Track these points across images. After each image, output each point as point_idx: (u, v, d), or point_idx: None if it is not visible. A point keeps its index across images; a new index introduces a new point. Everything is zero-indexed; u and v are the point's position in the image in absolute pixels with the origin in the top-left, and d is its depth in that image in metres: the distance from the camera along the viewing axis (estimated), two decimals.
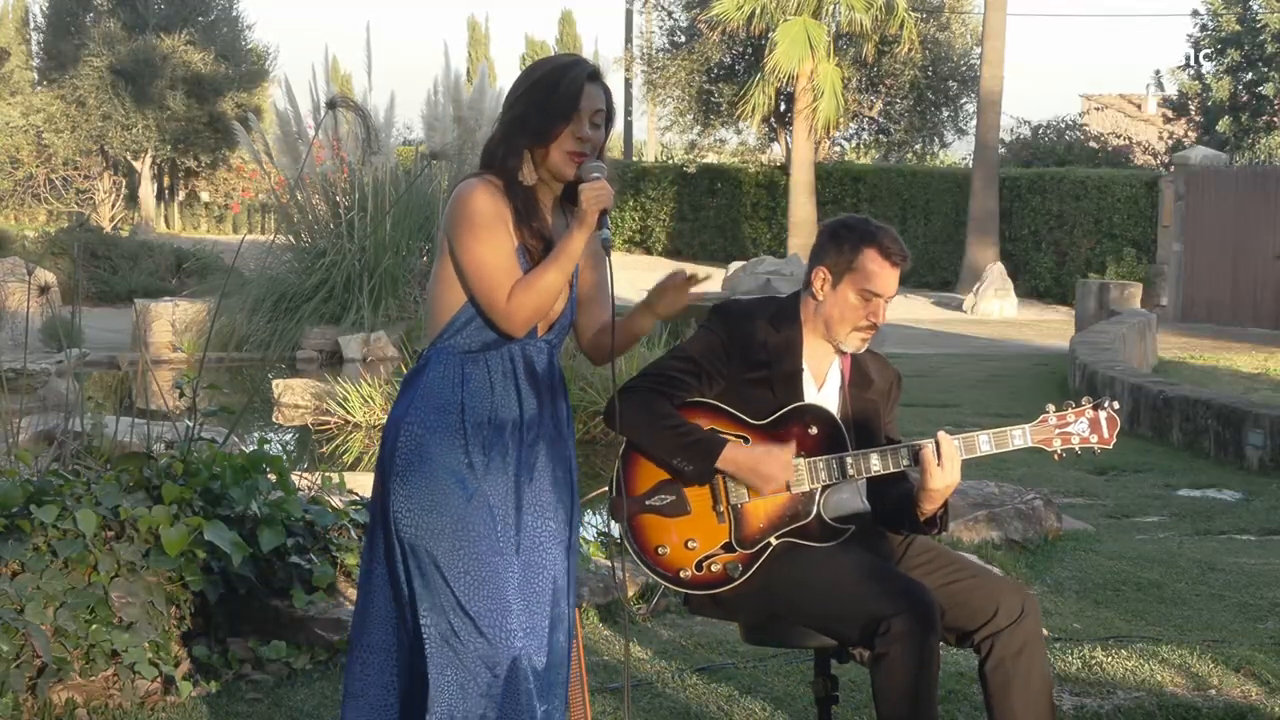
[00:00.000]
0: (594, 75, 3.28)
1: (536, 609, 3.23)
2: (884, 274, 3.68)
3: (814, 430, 3.65)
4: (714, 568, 3.62)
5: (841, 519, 3.68)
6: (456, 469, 3.19)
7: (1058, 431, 3.67)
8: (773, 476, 3.57)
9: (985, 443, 3.66)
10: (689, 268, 3.39)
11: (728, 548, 3.61)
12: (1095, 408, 3.68)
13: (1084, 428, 3.67)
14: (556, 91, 3.23)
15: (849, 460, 3.63)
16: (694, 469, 3.57)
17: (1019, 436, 3.66)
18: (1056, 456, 3.70)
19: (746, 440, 3.63)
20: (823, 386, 3.75)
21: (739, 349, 3.69)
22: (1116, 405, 3.70)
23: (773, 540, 3.62)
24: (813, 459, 3.63)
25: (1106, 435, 3.68)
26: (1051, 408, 3.69)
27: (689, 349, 3.71)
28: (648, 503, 3.62)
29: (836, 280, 3.69)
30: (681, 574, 3.63)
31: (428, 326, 3.32)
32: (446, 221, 3.24)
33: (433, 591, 3.16)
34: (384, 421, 3.37)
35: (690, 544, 3.61)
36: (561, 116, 3.22)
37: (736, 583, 3.61)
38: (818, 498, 3.63)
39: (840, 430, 3.67)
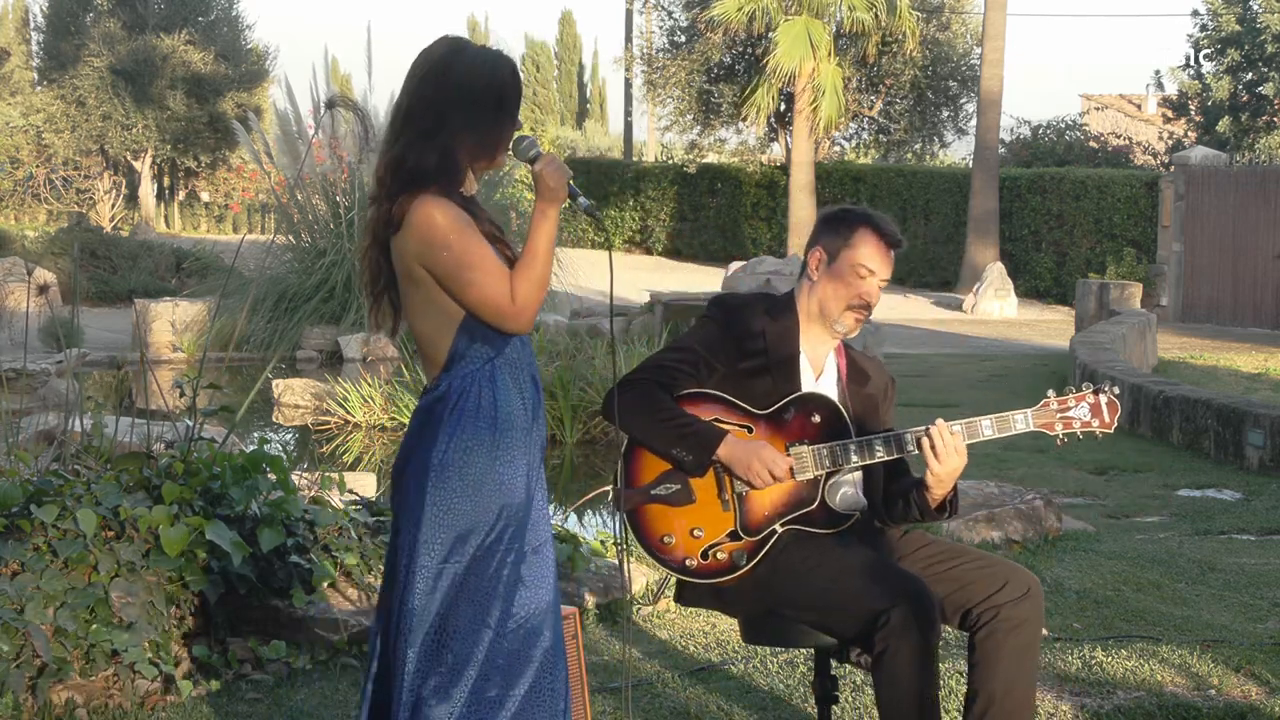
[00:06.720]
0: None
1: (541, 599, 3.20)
2: (878, 252, 3.73)
3: (816, 418, 3.67)
4: (719, 556, 3.63)
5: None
6: (502, 485, 3.09)
7: (1059, 415, 3.71)
8: (759, 475, 3.58)
9: (988, 428, 3.69)
10: None
11: (733, 535, 3.63)
12: (1096, 392, 3.73)
13: (1085, 412, 3.72)
14: (503, 108, 3.11)
15: (853, 447, 3.65)
16: (693, 459, 3.59)
17: (1021, 421, 3.70)
18: (1059, 442, 3.75)
19: (750, 429, 3.65)
20: (820, 376, 3.79)
21: (735, 337, 3.72)
22: (1117, 390, 3.76)
23: (778, 528, 3.63)
24: (817, 446, 3.65)
25: (1107, 419, 3.72)
26: (1052, 392, 3.73)
27: (687, 339, 3.75)
28: (653, 492, 3.63)
29: (831, 258, 3.74)
30: (687, 563, 3.64)
31: (427, 365, 3.18)
32: (416, 249, 3.03)
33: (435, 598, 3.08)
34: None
35: (696, 532, 3.63)
36: (513, 126, 3.14)
37: (742, 571, 3.62)
38: (822, 485, 3.65)
39: (843, 418, 3.69)
